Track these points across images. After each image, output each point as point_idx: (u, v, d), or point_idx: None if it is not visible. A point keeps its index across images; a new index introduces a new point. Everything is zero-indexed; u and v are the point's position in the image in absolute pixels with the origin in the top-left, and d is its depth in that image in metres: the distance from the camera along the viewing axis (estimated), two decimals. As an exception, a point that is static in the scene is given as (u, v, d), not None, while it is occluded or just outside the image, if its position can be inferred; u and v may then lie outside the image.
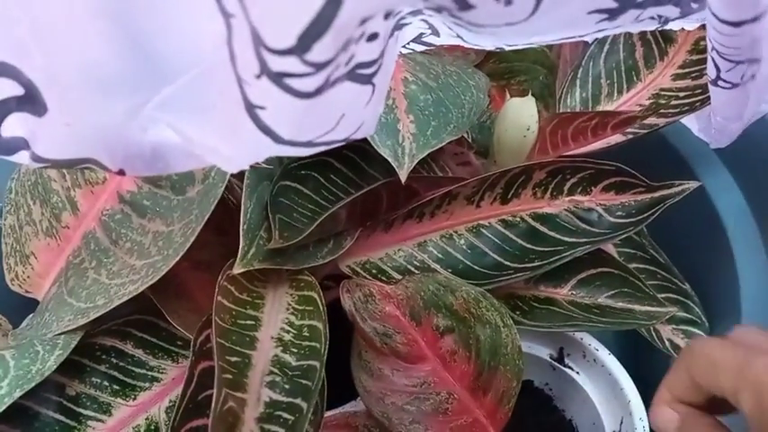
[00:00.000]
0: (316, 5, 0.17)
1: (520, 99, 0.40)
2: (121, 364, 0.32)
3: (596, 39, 0.45)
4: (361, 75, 0.22)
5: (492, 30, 0.24)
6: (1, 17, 0.19)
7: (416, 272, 0.38)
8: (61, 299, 0.31)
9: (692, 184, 0.36)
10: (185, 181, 0.31)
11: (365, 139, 0.30)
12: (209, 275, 0.37)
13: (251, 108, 0.20)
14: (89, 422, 0.31)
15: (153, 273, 0.29)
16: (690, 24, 0.31)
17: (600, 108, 0.47)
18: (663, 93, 0.47)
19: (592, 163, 0.37)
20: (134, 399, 0.32)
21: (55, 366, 0.27)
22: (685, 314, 0.45)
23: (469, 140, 0.47)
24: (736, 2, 0.27)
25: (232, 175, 0.34)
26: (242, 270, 0.30)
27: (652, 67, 0.48)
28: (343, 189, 0.37)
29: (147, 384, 0.33)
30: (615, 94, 0.48)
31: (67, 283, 0.32)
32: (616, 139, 0.42)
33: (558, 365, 0.46)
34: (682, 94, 0.45)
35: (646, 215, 0.36)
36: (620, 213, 0.36)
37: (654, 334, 0.44)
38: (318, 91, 0.20)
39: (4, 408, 0.26)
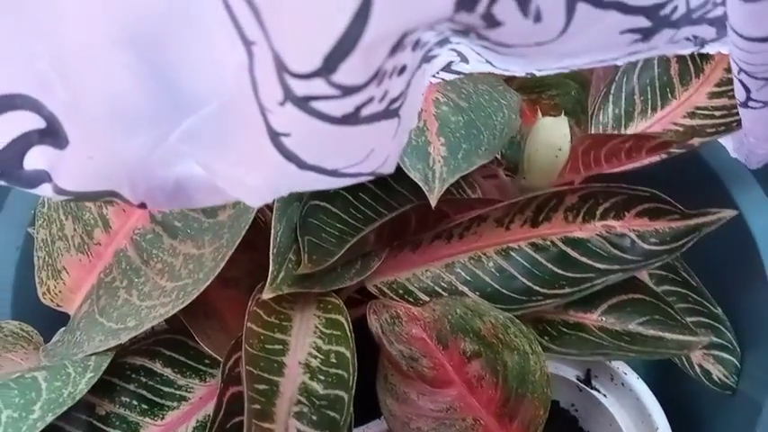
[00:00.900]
0: (341, 24, 0.17)
1: (552, 119, 0.40)
2: (150, 383, 0.33)
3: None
4: (391, 110, 0.21)
5: (521, 51, 0.24)
6: (22, 51, 0.19)
7: (444, 293, 0.37)
8: (92, 318, 0.32)
9: (729, 213, 0.35)
10: (216, 205, 0.31)
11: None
12: (237, 292, 0.38)
13: (275, 136, 0.20)
14: (118, 441, 0.31)
15: (183, 296, 0.29)
16: (726, 48, 0.30)
17: (633, 125, 0.47)
18: (698, 111, 0.46)
19: (625, 188, 0.36)
20: (162, 419, 0.32)
21: (86, 390, 0.28)
22: (717, 339, 0.44)
23: (499, 156, 0.46)
24: (758, 17, 0.26)
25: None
26: (271, 295, 0.30)
27: (687, 84, 0.47)
28: (371, 207, 0.37)
29: (174, 404, 0.33)
30: (649, 111, 0.47)
31: (99, 302, 0.33)
32: (650, 158, 0.41)
33: (585, 387, 0.46)
34: (718, 113, 0.44)
35: (680, 243, 0.35)
36: (653, 240, 0.36)
37: (684, 359, 0.43)
38: (349, 119, 0.20)
39: (37, 432, 0.26)
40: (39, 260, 0.36)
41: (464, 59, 0.28)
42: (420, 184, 0.32)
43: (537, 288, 0.36)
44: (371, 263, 0.36)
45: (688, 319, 0.45)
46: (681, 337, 0.37)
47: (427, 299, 0.37)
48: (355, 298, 0.39)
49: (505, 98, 0.38)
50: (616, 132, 0.46)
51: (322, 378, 0.29)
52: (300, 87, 0.18)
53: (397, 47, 0.20)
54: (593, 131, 0.46)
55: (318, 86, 0.18)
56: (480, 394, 0.35)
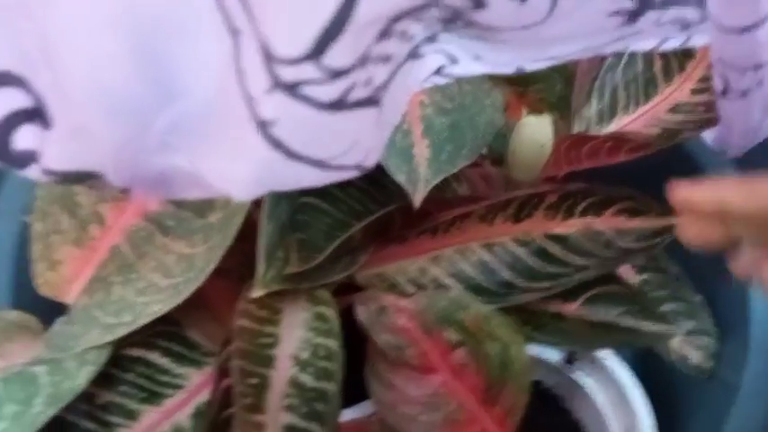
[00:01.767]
0: (332, 5, 0.17)
1: (536, 117, 0.41)
2: (148, 372, 0.34)
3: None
4: (373, 98, 0.22)
5: (509, 36, 0.24)
6: (8, 27, 0.19)
7: (429, 285, 0.39)
8: (89, 312, 0.33)
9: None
10: (206, 206, 0.33)
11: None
12: (229, 283, 0.39)
13: (262, 125, 0.20)
14: (118, 429, 0.32)
15: (176, 294, 0.31)
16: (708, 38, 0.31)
17: (616, 120, 0.48)
18: (681, 107, 0.47)
19: (604, 188, 0.37)
20: (160, 405, 0.34)
21: (85, 383, 0.29)
22: (695, 324, 0.46)
23: (485, 149, 0.47)
24: (737, 7, 0.27)
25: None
26: (260, 293, 0.31)
27: (670, 80, 0.48)
28: (360, 203, 0.38)
29: (171, 391, 0.34)
30: (631, 107, 0.48)
31: (95, 296, 0.34)
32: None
33: (567, 369, 0.47)
34: (700, 109, 0.45)
35: (657, 241, 0.37)
36: (630, 238, 0.37)
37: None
38: (336, 106, 0.20)
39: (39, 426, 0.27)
40: (35, 252, 0.38)
41: (454, 61, 0.28)
42: (404, 186, 0.34)
43: (518, 282, 0.38)
44: (359, 257, 0.38)
45: (668, 306, 0.47)
46: (656, 327, 0.38)
47: (413, 290, 0.39)
48: (343, 287, 0.40)
49: (489, 97, 0.39)
50: (597, 128, 0.47)
51: (311, 371, 0.31)
52: (289, 73, 0.18)
53: (384, 33, 0.19)
54: (576, 126, 0.47)
55: (307, 71, 0.18)
56: (464, 381, 0.37)
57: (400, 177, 0.34)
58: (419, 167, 0.34)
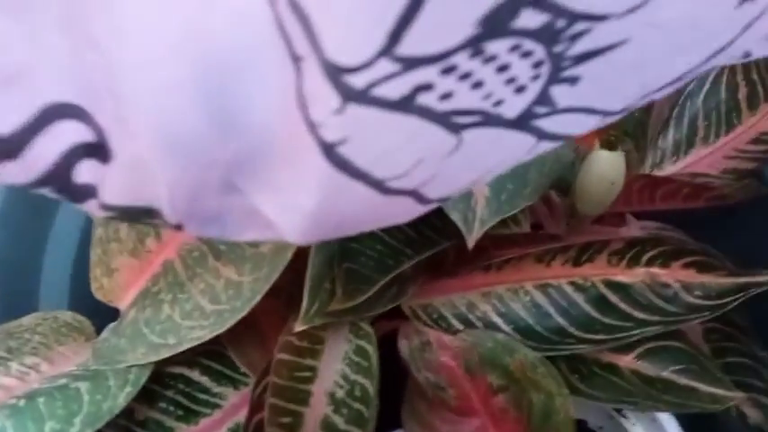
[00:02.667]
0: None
1: (608, 153, 0.38)
2: (187, 389, 0.34)
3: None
4: (453, 123, 0.20)
5: (617, 27, 0.21)
6: (73, 57, 0.19)
7: (478, 323, 0.37)
8: (137, 327, 0.34)
9: (783, 274, 0.34)
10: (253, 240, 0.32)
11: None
12: (277, 302, 0.39)
13: (328, 148, 0.19)
14: (154, 445, 0.33)
15: (221, 322, 0.31)
16: None
17: (694, 152, 0.45)
18: (763, 137, 0.43)
19: (675, 239, 0.35)
20: (196, 424, 0.34)
21: (124, 405, 0.30)
22: (759, 383, 0.43)
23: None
24: None
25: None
26: (303, 328, 0.31)
27: (755, 109, 0.44)
28: (415, 228, 0.37)
29: (209, 410, 0.35)
30: (711, 137, 0.45)
31: (145, 312, 0.34)
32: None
33: (616, 414, 0.45)
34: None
35: (727, 300, 0.34)
36: (698, 293, 0.34)
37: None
38: (403, 104, 0.19)
39: (77, 447, 0.28)
40: (94, 256, 0.38)
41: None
42: (459, 224, 0.32)
43: (571, 330, 0.36)
44: (408, 289, 0.37)
45: (730, 359, 0.44)
46: (715, 390, 0.36)
47: (460, 326, 0.38)
48: (386, 312, 0.39)
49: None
50: (673, 159, 0.44)
51: (344, 412, 0.30)
52: (360, 80, 0.17)
53: (473, 48, 0.18)
54: (650, 157, 0.44)
55: (379, 69, 0.17)
56: (503, 428, 0.36)
57: (455, 216, 0.33)
58: (476, 206, 0.33)
